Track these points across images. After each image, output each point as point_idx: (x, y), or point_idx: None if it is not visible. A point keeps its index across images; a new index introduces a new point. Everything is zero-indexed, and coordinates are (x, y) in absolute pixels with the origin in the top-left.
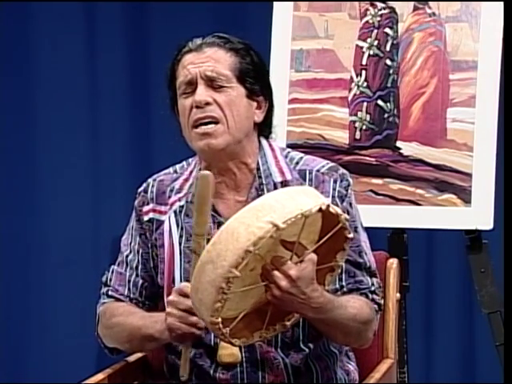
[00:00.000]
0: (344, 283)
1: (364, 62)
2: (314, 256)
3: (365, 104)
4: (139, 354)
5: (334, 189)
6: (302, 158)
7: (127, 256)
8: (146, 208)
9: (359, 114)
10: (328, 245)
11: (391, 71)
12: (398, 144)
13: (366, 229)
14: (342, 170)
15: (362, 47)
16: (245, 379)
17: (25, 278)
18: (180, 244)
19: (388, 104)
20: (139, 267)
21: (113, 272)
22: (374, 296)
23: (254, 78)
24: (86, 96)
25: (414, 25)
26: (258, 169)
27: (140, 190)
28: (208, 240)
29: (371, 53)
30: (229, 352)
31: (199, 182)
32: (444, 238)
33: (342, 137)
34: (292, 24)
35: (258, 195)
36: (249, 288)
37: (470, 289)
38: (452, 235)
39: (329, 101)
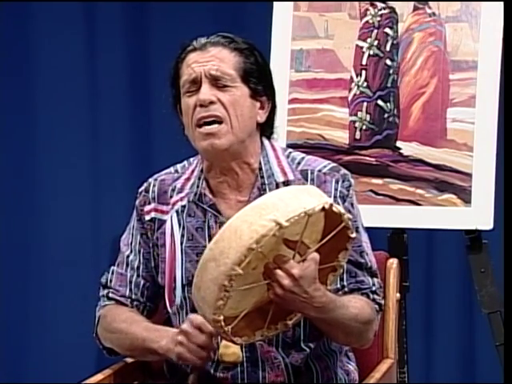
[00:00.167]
0: (345, 283)
1: (364, 62)
2: (316, 255)
3: (365, 104)
4: None
5: (336, 189)
6: (303, 158)
7: (128, 256)
8: (147, 207)
9: (359, 114)
10: (330, 244)
11: (391, 71)
12: (398, 144)
13: (366, 229)
14: (343, 171)
15: (361, 47)
16: (245, 379)
17: (25, 278)
18: (181, 243)
19: (388, 104)
20: (140, 267)
21: (113, 273)
22: (375, 296)
23: (258, 78)
24: (85, 96)
25: (413, 25)
26: (261, 169)
27: (141, 189)
28: (210, 238)
29: (371, 53)
30: (230, 351)
31: None
32: (444, 237)
33: (341, 137)
34: (292, 24)
35: (260, 195)
36: (251, 286)
37: (470, 289)
38: (452, 235)
39: (329, 101)
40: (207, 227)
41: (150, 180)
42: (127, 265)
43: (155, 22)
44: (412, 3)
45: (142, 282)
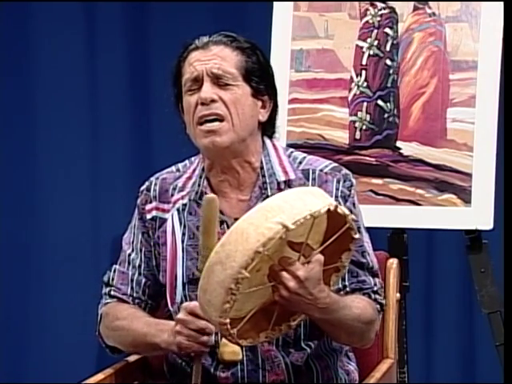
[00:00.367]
0: (347, 283)
1: (364, 62)
2: (321, 257)
3: (365, 104)
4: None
5: (337, 189)
6: (305, 157)
7: (129, 255)
8: (148, 206)
9: (359, 114)
10: (334, 245)
11: (391, 71)
12: (398, 144)
13: (367, 229)
14: (345, 171)
15: (362, 47)
16: (245, 378)
17: (25, 278)
18: (183, 242)
19: (388, 104)
20: (142, 266)
21: (115, 271)
22: (377, 296)
23: (260, 77)
24: (86, 96)
25: (413, 25)
26: (262, 168)
27: (142, 188)
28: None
29: (371, 53)
30: (230, 350)
31: (205, 206)
32: (444, 237)
33: (341, 137)
34: (292, 24)
35: (261, 194)
36: (257, 289)
37: (470, 289)
38: (452, 235)
39: (329, 101)
40: None
41: (152, 179)
42: (129, 263)
43: (155, 22)
44: (412, 3)
45: (144, 281)
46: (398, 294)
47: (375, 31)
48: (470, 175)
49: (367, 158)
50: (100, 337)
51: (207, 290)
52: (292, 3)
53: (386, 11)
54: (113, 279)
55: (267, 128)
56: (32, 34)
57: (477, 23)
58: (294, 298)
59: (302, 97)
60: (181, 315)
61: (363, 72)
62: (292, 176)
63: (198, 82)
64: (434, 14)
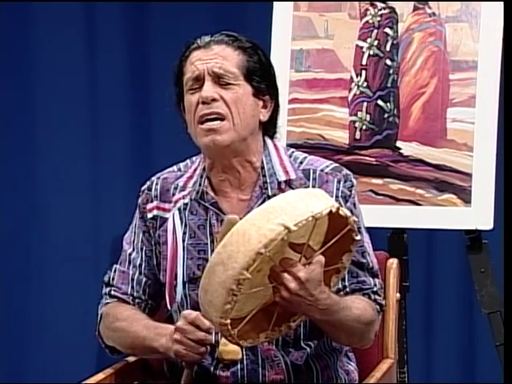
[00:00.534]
0: (347, 283)
1: (364, 62)
2: (322, 258)
3: (365, 104)
4: None
5: (338, 189)
6: (305, 157)
7: (130, 254)
8: (149, 205)
9: (359, 113)
10: (335, 246)
11: (391, 71)
12: (398, 144)
13: (367, 229)
14: (345, 171)
15: (362, 47)
16: (245, 377)
17: (25, 278)
18: (183, 241)
19: (388, 104)
20: (143, 265)
21: (115, 271)
22: (377, 296)
23: (261, 76)
24: (85, 96)
25: (413, 25)
26: (263, 167)
27: (143, 187)
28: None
29: (371, 53)
30: (230, 349)
31: (226, 226)
32: (444, 237)
33: (341, 137)
34: (292, 24)
35: (262, 194)
36: (258, 290)
37: (470, 289)
38: (452, 235)
39: (329, 101)
40: (209, 225)
41: (153, 178)
42: (129, 263)
43: (155, 22)
44: (412, 3)
45: (144, 280)
46: (398, 294)
47: (375, 31)
48: (469, 175)
49: (367, 158)
50: (100, 337)
51: (208, 291)
52: (292, 3)
53: (386, 11)
54: (113, 279)
55: (268, 128)
56: (32, 34)
57: (477, 23)
58: (295, 299)
59: (302, 97)
60: (181, 324)
61: (363, 72)
62: (292, 176)
63: (199, 81)
64: (434, 13)
